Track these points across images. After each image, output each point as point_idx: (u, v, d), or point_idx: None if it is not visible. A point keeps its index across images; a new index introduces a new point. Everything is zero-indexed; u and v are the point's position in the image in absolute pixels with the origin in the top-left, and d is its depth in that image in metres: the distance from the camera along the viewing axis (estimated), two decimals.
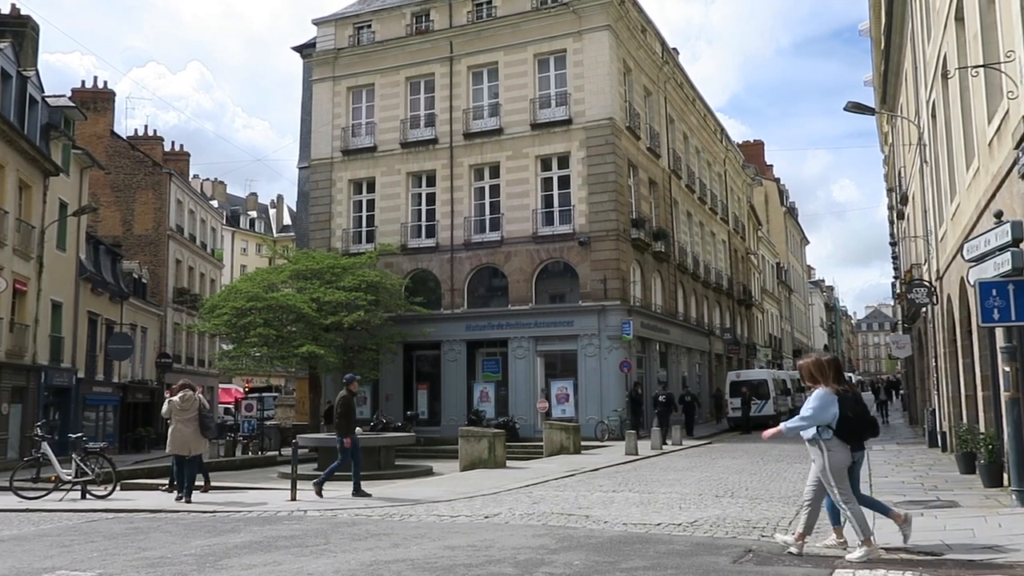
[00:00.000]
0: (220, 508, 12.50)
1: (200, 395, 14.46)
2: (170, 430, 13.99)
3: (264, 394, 37.49)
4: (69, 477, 14.85)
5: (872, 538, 7.71)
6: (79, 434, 16.00)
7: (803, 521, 8.05)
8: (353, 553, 8.35)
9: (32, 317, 29.77)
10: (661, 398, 29.95)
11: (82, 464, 14.79)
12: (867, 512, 8.08)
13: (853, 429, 7.91)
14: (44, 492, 14.96)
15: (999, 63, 10.45)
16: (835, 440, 7.88)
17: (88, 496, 14.52)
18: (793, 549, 7.97)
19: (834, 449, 7.86)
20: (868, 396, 64.52)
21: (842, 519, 8.13)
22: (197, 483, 14.25)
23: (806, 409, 7.99)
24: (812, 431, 7.94)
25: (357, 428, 25.70)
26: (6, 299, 27.71)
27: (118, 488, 15.00)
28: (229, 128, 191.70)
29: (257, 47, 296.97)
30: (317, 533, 9.74)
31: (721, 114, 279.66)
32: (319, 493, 13.71)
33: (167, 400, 14.20)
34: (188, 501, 13.39)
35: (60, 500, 14.30)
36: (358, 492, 13.74)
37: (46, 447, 15.37)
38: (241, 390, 56.80)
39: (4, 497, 15.52)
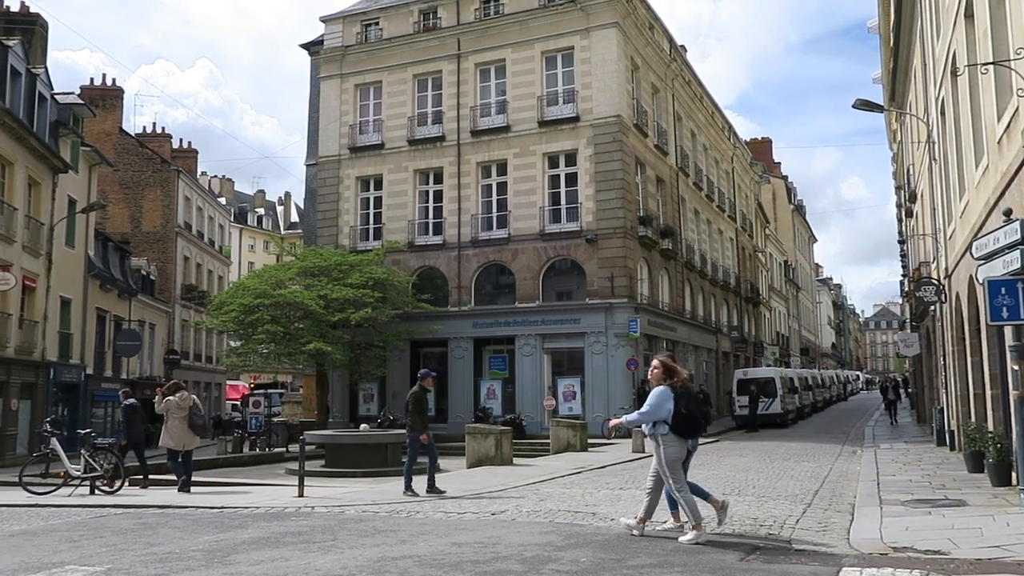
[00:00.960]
0: (228, 504, 12.54)
1: (193, 395, 15.53)
2: (166, 426, 14.88)
3: (270, 390, 37.58)
4: (78, 473, 14.94)
5: (702, 523, 8.60)
6: (88, 430, 16.09)
7: (644, 506, 8.97)
8: (360, 549, 8.36)
9: (41, 313, 29.91)
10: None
11: (91, 460, 14.87)
12: (699, 500, 8.94)
13: (687, 424, 8.70)
14: (53, 487, 15.04)
15: (1009, 60, 10.39)
16: (671, 435, 8.71)
17: (97, 492, 14.59)
18: (635, 531, 8.87)
19: (669, 443, 8.71)
20: (875, 395, 64.33)
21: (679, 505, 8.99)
22: (165, 476, 15.16)
23: (645, 405, 8.83)
24: (649, 426, 8.77)
25: (363, 425, 25.83)
26: (15, 296, 27.84)
27: (126, 484, 15.06)
28: (237, 125, 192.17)
29: (266, 45, 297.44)
30: (324, 529, 9.76)
31: (730, 111, 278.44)
32: (432, 488, 13.34)
33: (164, 399, 15.11)
34: (188, 492, 14.26)
35: (69, 495, 14.38)
36: (432, 488, 13.38)
37: (55, 443, 15.46)
38: (247, 387, 56.94)
39: (13, 492, 15.60)
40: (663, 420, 8.70)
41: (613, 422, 9.69)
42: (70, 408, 32.72)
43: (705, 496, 9.16)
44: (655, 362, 9.21)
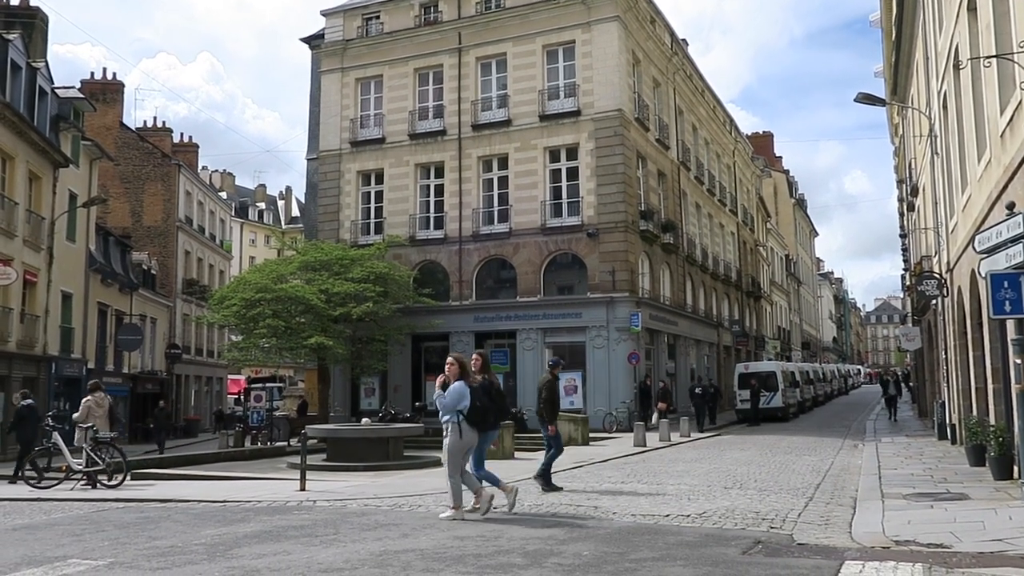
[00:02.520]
0: (230, 498, 12.55)
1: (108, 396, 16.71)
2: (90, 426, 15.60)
3: (268, 384, 37.58)
4: (80, 467, 14.94)
5: (461, 507, 9.54)
6: (90, 424, 16.06)
7: (451, 495, 9.66)
8: (362, 543, 8.37)
9: (42, 308, 29.92)
10: (697, 390, 31.05)
11: (93, 454, 14.87)
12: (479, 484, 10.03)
13: (479, 415, 9.64)
14: (55, 482, 15.05)
15: (1012, 53, 10.37)
16: (464, 424, 9.58)
17: (99, 486, 14.59)
18: (455, 518, 9.47)
19: (463, 432, 9.58)
20: (876, 389, 64.28)
21: (487, 482, 10.16)
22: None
23: (450, 403, 9.60)
24: (448, 416, 9.60)
25: (365, 419, 25.83)
26: (16, 290, 27.84)
27: (128, 478, 15.07)
28: (239, 119, 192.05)
29: (268, 39, 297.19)
30: (327, 523, 9.77)
31: (733, 106, 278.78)
32: (547, 486, 12.54)
33: (83, 402, 16.11)
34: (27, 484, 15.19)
35: (71, 490, 14.39)
36: (548, 485, 12.63)
37: (57, 437, 15.46)
38: (246, 380, 57.01)
39: (15, 486, 15.63)
40: (459, 411, 9.58)
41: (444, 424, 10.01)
42: (71, 402, 32.71)
43: (496, 482, 10.22)
44: (449, 359, 10.03)
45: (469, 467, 10.19)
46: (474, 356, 10.51)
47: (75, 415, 16.11)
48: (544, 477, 12.62)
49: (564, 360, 14.68)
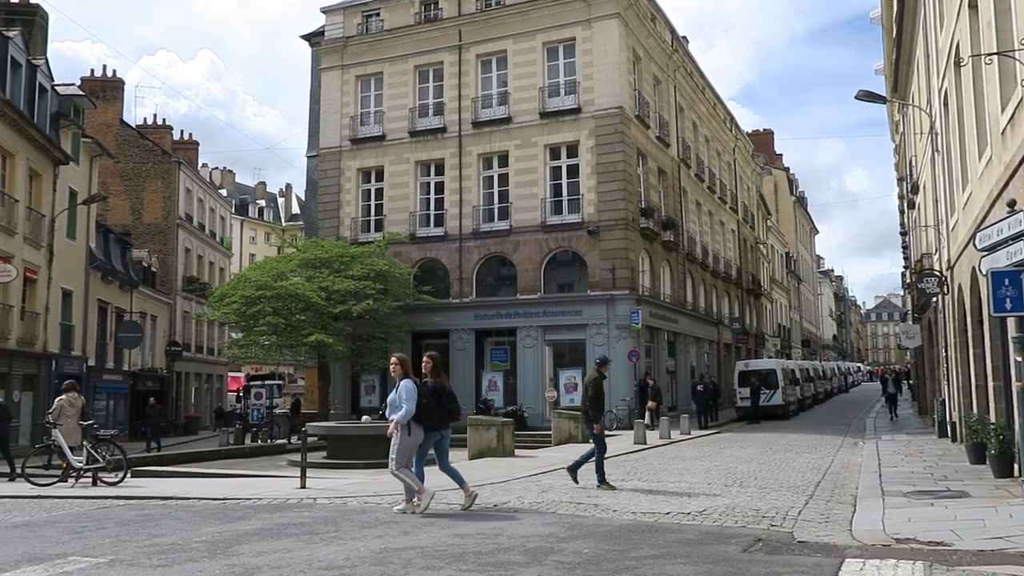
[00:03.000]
0: (230, 495, 12.55)
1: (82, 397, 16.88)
2: (58, 426, 15.74)
3: (267, 381, 37.62)
4: (80, 464, 14.93)
5: (413, 499, 9.91)
6: (90, 421, 16.08)
7: (404, 488, 10.05)
8: (363, 540, 8.36)
9: (43, 305, 29.92)
10: (699, 387, 31.23)
11: (93, 451, 14.87)
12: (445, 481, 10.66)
13: (427, 414, 10.01)
14: (55, 479, 15.05)
15: (1013, 51, 10.35)
16: (412, 423, 9.93)
17: (99, 483, 14.59)
18: (408, 510, 9.89)
19: (411, 430, 9.93)
20: (876, 387, 64.27)
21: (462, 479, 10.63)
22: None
23: (406, 401, 9.91)
24: (393, 412, 9.99)
25: (365, 417, 25.83)
26: (17, 287, 27.84)
27: (129, 475, 15.07)
28: (239, 117, 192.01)
29: (268, 35, 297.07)
30: (327, 521, 9.77)
31: (734, 103, 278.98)
32: (603, 483, 12.51)
33: (56, 400, 16.19)
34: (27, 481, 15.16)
35: (71, 487, 14.38)
36: (603, 483, 12.61)
37: (57, 434, 15.45)
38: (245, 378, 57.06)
39: (16, 484, 15.63)
40: (414, 409, 9.93)
41: (391, 430, 10.21)
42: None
43: (461, 483, 10.59)
44: (393, 359, 10.48)
45: (455, 464, 10.84)
46: (425, 359, 10.78)
47: (48, 414, 16.16)
48: (599, 475, 12.69)
49: (608, 358, 14.44)
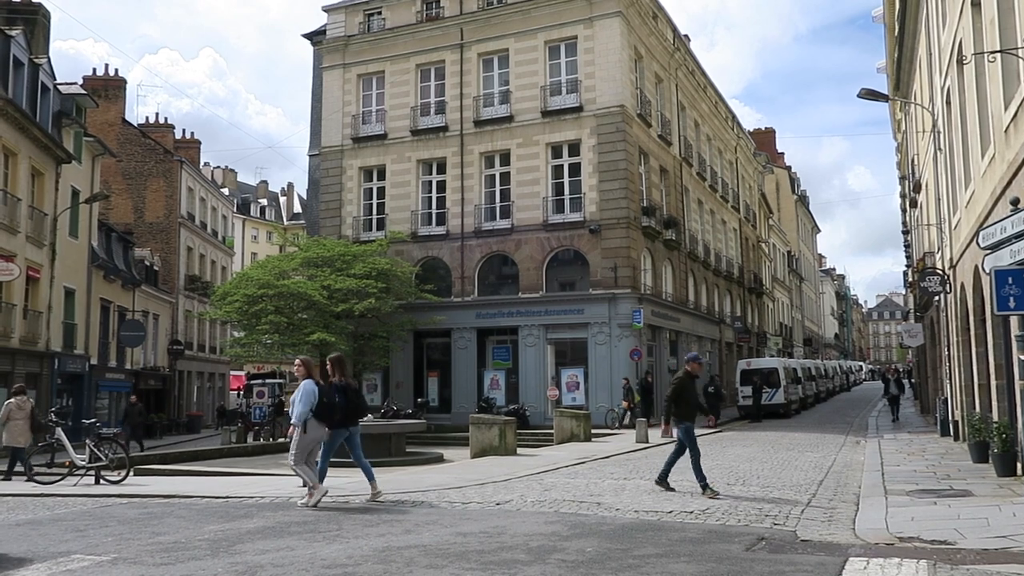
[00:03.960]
0: (233, 494, 12.55)
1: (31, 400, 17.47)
2: (7, 426, 16.37)
3: (268, 380, 37.62)
4: (83, 463, 14.95)
5: (317, 487, 10.52)
6: (93, 420, 16.15)
7: (304, 483, 10.71)
8: (365, 539, 8.37)
9: (45, 304, 29.95)
10: (710, 389, 31.38)
11: (96, 450, 14.88)
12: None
13: (326, 412, 10.60)
14: (58, 477, 15.07)
15: (1016, 48, 10.34)
16: (313, 421, 10.55)
17: (102, 481, 14.60)
18: (308, 503, 10.44)
19: (310, 428, 10.55)
20: (877, 385, 64.02)
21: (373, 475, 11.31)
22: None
23: (302, 402, 10.50)
24: (297, 412, 10.51)
25: (368, 416, 25.80)
26: (19, 286, 27.87)
27: (131, 474, 15.08)
28: (242, 115, 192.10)
29: (271, 34, 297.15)
30: (330, 519, 9.77)
31: (737, 102, 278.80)
32: (710, 490, 11.37)
33: (5, 404, 16.69)
34: (30, 480, 15.28)
35: (74, 485, 14.39)
36: (662, 482, 11.93)
37: (60, 433, 15.47)
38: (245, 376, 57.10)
39: (19, 482, 15.64)
40: (310, 409, 10.55)
41: (292, 431, 10.81)
42: (74, 398, 32.79)
43: (371, 478, 11.27)
44: (297, 361, 11.08)
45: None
46: (297, 362, 11.18)
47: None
48: (701, 481, 11.49)
49: (697, 355, 13.10)
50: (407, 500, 11.52)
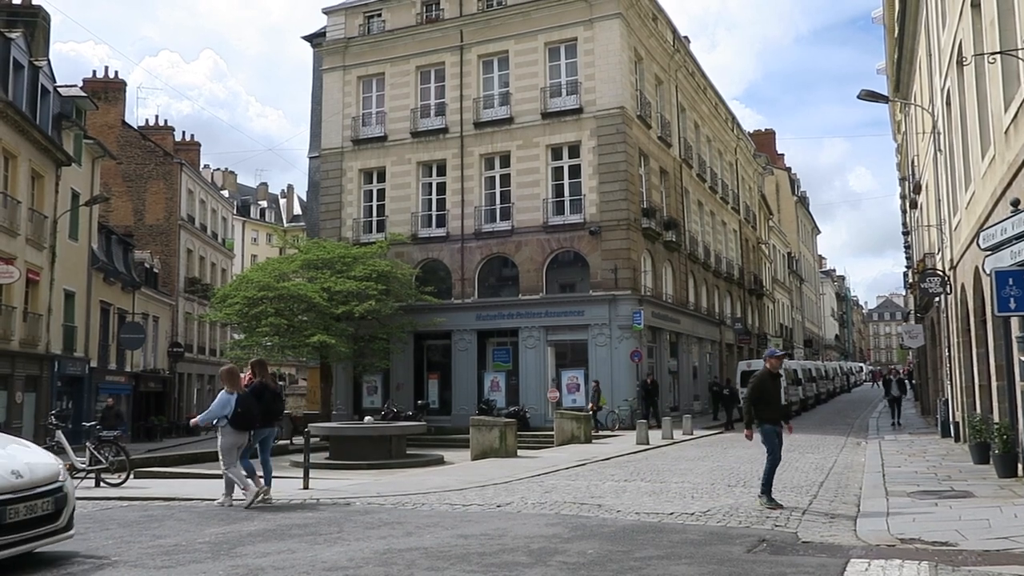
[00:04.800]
0: (233, 496, 12.52)
1: None
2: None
3: None
4: (83, 465, 14.93)
5: (251, 488, 11.20)
6: (93, 423, 16.10)
7: (224, 484, 11.43)
8: (366, 541, 8.36)
9: (45, 307, 29.94)
10: (725, 391, 31.85)
11: (96, 452, 14.87)
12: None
13: (241, 420, 11.27)
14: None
15: (1016, 49, 10.34)
16: (228, 427, 11.24)
17: (102, 484, 14.59)
18: (226, 503, 11.21)
19: (226, 434, 11.23)
20: (878, 387, 63.88)
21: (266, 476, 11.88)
22: None
23: (210, 409, 11.40)
24: (215, 420, 11.30)
25: (367, 418, 25.77)
26: (19, 289, 27.86)
27: (132, 476, 15.07)
28: (243, 117, 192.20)
29: (273, 36, 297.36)
30: (330, 521, 9.77)
31: (737, 103, 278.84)
32: (771, 502, 10.51)
33: None
34: None
35: (74, 488, 14.36)
36: (769, 500, 10.63)
37: (60, 435, 15.44)
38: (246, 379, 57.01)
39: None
40: (224, 416, 11.24)
41: (193, 421, 11.88)
42: (74, 401, 32.78)
43: (252, 475, 11.56)
44: (221, 371, 11.82)
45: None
46: (221, 372, 11.86)
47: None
48: (766, 489, 10.63)
49: (776, 351, 12.15)
50: (408, 502, 11.51)
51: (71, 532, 7.84)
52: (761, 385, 10.87)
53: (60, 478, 7.77)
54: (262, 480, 11.66)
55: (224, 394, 11.37)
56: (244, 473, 11.40)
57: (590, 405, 28.39)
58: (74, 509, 7.95)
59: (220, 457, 11.40)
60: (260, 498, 11.29)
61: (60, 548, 7.92)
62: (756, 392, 10.82)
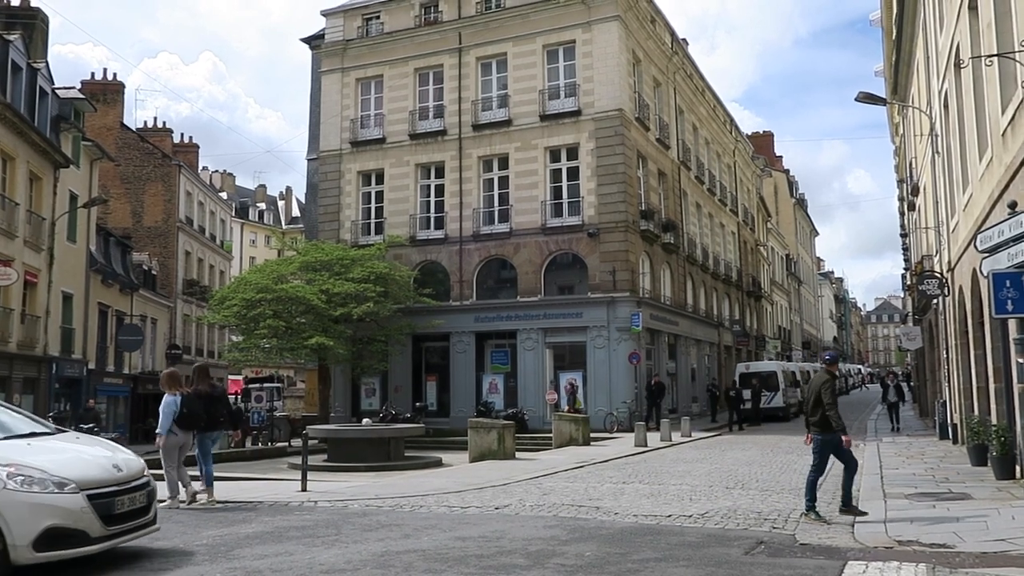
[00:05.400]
0: (231, 498, 12.52)
1: None
2: None
3: (266, 384, 37.61)
4: None
5: (177, 497, 11.54)
6: (91, 424, 16.07)
7: (167, 486, 11.48)
8: (364, 544, 8.36)
9: (43, 308, 29.91)
10: (732, 393, 32.09)
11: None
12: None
13: (186, 421, 11.65)
14: None
15: (1013, 52, 10.35)
16: (173, 428, 11.55)
17: None
18: (171, 506, 11.30)
19: (169, 437, 11.54)
20: (875, 390, 64.02)
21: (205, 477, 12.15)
22: None
23: (163, 414, 11.56)
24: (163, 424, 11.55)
25: (365, 420, 25.76)
26: (17, 291, 27.83)
27: None
28: (242, 119, 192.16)
29: (274, 37, 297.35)
30: (328, 524, 9.76)
31: (737, 105, 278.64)
32: (853, 512, 9.86)
33: None
34: None
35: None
36: (848, 507, 10.07)
37: None
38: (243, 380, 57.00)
39: None
40: (170, 420, 11.55)
41: (158, 442, 11.74)
42: (72, 403, 32.72)
43: (209, 481, 12.11)
44: (162, 376, 12.18)
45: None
46: (162, 375, 12.27)
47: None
48: (810, 500, 9.95)
49: (836, 354, 11.76)
50: (406, 505, 11.50)
51: (157, 526, 8.25)
52: (832, 389, 10.14)
53: (146, 473, 8.25)
54: (199, 483, 12.03)
55: (168, 397, 11.63)
56: (177, 476, 11.75)
57: (565, 408, 28.36)
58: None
59: (161, 457, 11.67)
60: (195, 501, 11.67)
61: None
62: (834, 397, 10.07)
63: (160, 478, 9.89)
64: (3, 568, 6.77)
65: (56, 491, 7.02)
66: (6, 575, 6.78)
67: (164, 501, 11.32)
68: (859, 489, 12.41)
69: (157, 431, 11.66)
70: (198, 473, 12.19)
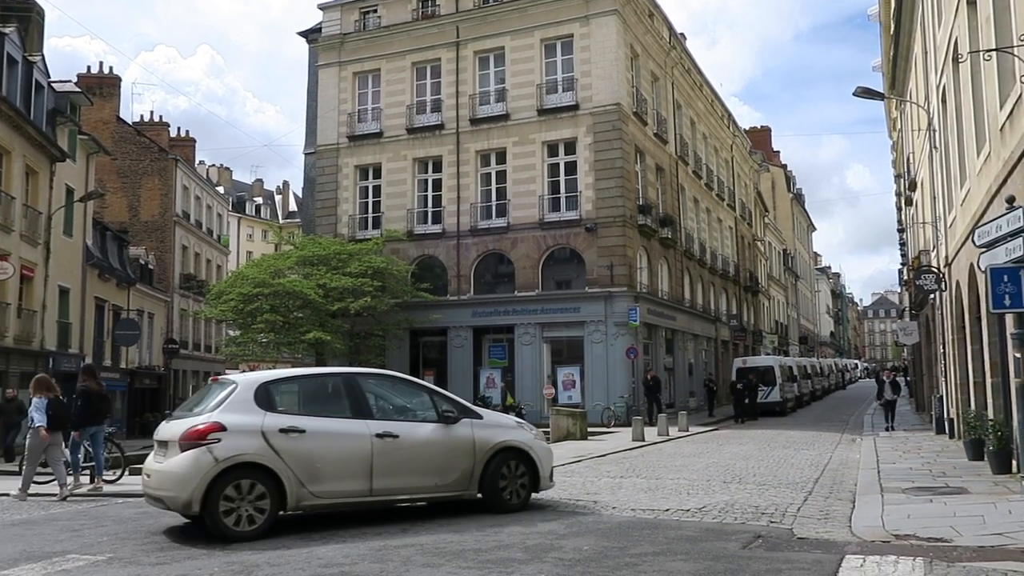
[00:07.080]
0: None
1: None
2: None
3: None
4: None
5: (26, 492, 12.55)
6: None
7: (23, 478, 12.76)
8: (362, 538, 8.36)
9: (39, 303, 29.86)
10: (739, 386, 32.26)
11: (91, 449, 14.81)
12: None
13: (57, 421, 12.80)
14: (54, 477, 14.99)
15: (1012, 47, 10.34)
16: (34, 430, 12.56)
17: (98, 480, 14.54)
18: (21, 499, 12.26)
19: (32, 436, 12.62)
20: (869, 383, 63.98)
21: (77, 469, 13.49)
22: None
23: (37, 414, 12.63)
24: (36, 423, 12.57)
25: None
26: (13, 285, 27.78)
27: (127, 473, 15.04)
28: (240, 113, 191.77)
29: (273, 31, 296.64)
30: (325, 518, 9.76)
31: (736, 100, 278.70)
32: None
33: None
34: None
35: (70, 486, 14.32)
36: None
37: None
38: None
39: (13, 481, 15.57)
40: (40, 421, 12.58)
41: (43, 436, 12.61)
42: (69, 398, 32.68)
43: (100, 469, 13.42)
44: (33, 381, 13.24)
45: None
46: (33, 382, 13.28)
47: None
48: None
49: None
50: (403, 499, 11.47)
51: None
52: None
53: None
54: (76, 478, 13.15)
55: (37, 400, 12.68)
56: (35, 472, 12.93)
57: (497, 406, 28.25)
58: None
59: (26, 455, 12.92)
60: (68, 493, 12.50)
61: (62, 546, 7.84)
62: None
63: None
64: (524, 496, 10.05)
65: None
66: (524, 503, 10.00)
67: (58, 494, 12.43)
68: (856, 483, 12.44)
69: (38, 424, 12.52)
70: (94, 464, 13.39)
